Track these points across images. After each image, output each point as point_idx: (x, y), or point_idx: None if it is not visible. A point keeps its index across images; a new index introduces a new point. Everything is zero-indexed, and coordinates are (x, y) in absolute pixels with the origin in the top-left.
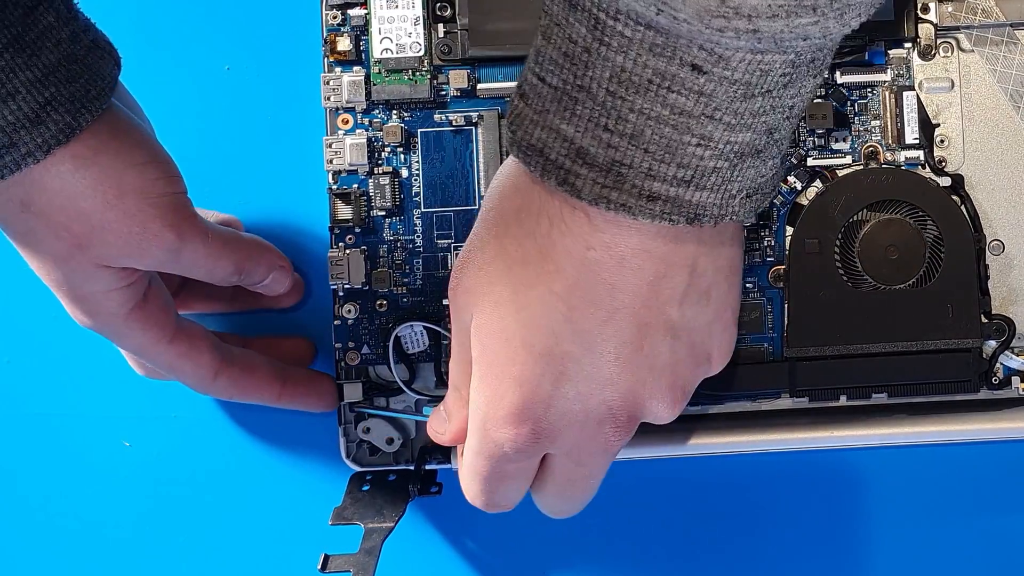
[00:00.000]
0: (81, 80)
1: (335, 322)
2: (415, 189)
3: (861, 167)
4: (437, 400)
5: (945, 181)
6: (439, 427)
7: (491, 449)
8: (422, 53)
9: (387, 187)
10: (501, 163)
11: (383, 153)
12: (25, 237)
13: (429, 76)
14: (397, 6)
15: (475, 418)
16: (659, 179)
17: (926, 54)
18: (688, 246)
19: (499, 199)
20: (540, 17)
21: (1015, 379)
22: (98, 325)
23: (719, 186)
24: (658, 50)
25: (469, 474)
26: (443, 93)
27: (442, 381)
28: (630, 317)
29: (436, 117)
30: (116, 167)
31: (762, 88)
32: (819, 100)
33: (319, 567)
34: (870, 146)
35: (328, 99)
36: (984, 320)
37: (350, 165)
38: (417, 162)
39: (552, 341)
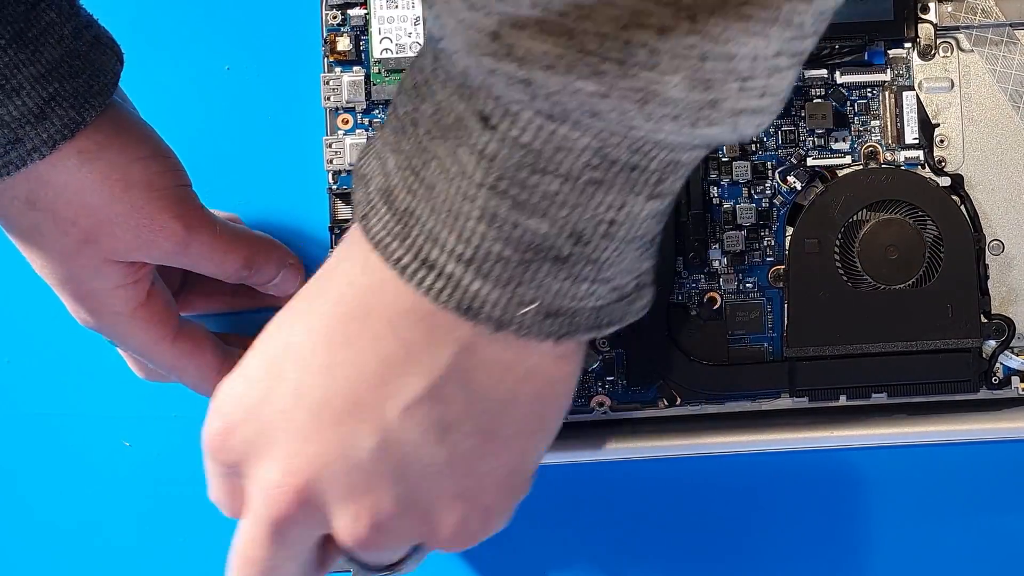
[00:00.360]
0: (84, 75)
1: None
2: None
3: (861, 167)
4: None
5: (945, 181)
6: None
7: None
8: None
9: None
10: None
11: None
12: (30, 234)
13: None
14: (397, 6)
15: None
16: (439, 246)
17: (926, 54)
18: (452, 349)
19: None
20: None
21: (1015, 379)
22: (101, 325)
23: (505, 282)
24: (462, 91)
25: None
26: None
27: None
28: (343, 384)
29: None
30: (122, 161)
31: (558, 168)
32: (819, 100)
33: None
34: (870, 146)
35: (328, 99)
36: (984, 320)
37: (350, 165)
38: None
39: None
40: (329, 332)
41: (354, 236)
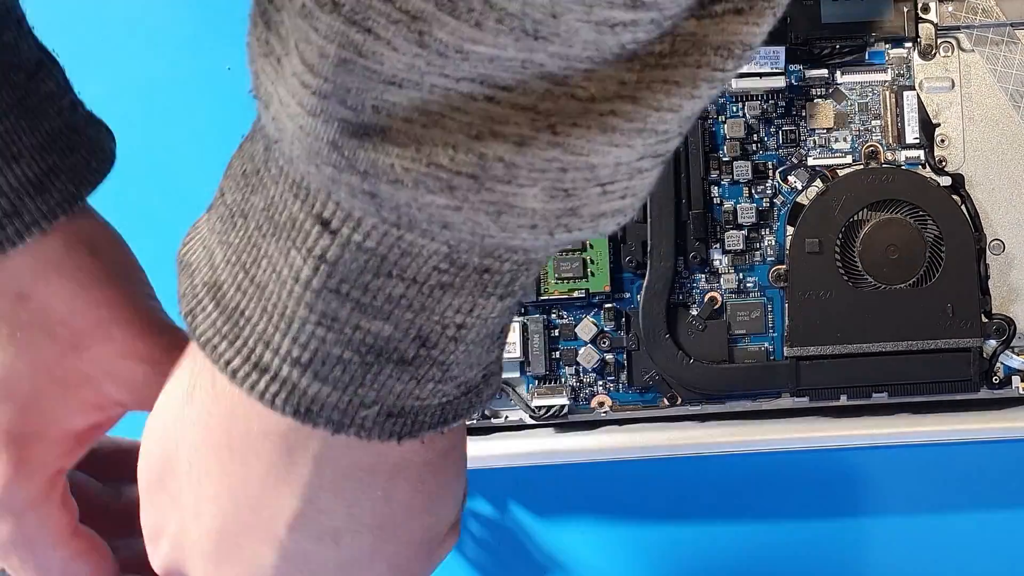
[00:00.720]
0: (82, 150)
1: None
2: None
3: (861, 167)
4: None
5: (945, 181)
6: None
7: None
8: None
9: None
10: None
11: None
12: (7, 341)
13: None
14: None
15: None
16: (272, 349)
17: (926, 54)
18: (310, 465)
19: None
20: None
21: (1015, 379)
22: (18, 483)
23: (345, 385)
24: (298, 191)
25: None
26: None
27: None
28: (231, 511)
29: None
30: (118, 258)
31: (404, 272)
32: (819, 100)
33: None
34: (870, 146)
35: None
36: (984, 320)
37: None
38: None
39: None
40: (207, 464)
41: (195, 349)
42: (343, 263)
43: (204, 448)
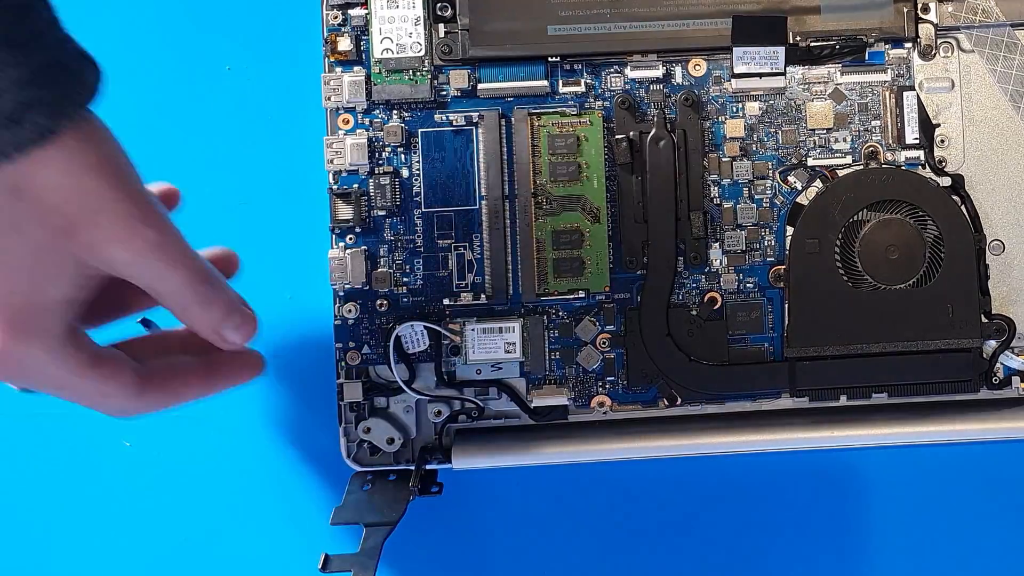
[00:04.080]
0: (63, 84)
1: (335, 322)
2: (415, 189)
3: (861, 167)
4: (439, 400)
5: (945, 181)
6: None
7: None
8: (422, 53)
9: (387, 187)
10: (502, 162)
11: (383, 153)
12: (8, 228)
13: (429, 76)
14: (398, 6)
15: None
16: None
17: (926, 54)
18: None
19: None
20: None
21: (1015, 379)
22: (28, 352)
23: None
24: None
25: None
26: (443, 93)
27: (443, 380)
28: None
29: (436, 117)
30: (111, 153)
31: None
32: (819, 100)
33: (319, 567)
34: (870, 146)
35: (328, 99)
36: (984, 320)
37: (350, 165)
38: (417, 162)
39: None
40: None
41: None
42: None
43: None
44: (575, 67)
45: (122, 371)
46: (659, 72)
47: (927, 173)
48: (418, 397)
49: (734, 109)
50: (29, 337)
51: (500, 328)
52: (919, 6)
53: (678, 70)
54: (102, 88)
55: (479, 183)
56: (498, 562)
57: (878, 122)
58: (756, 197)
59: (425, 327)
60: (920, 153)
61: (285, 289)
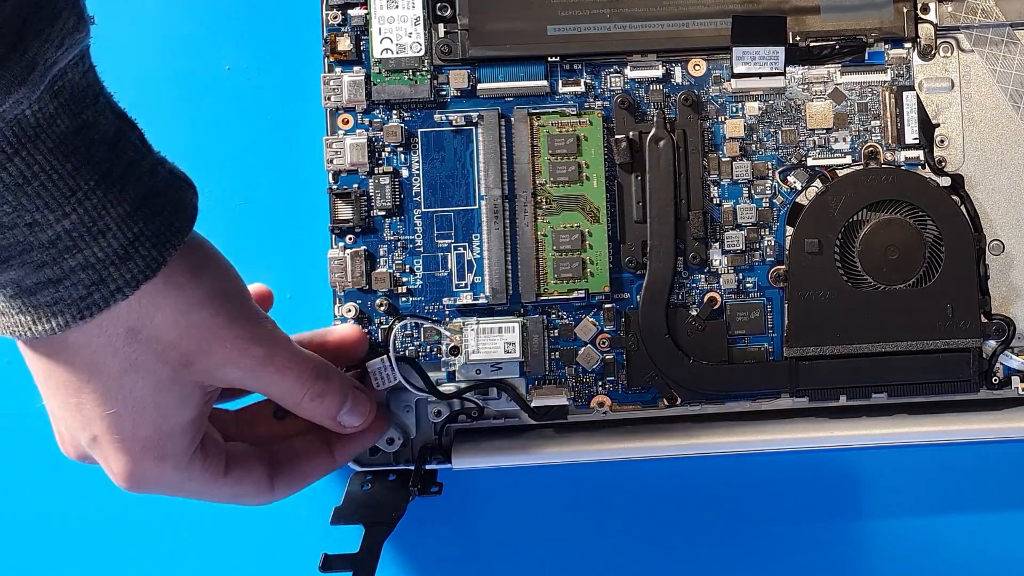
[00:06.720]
0: (165, 213)
1: (335, 322)
2: (415, 189)
3: (861, 167)
4: (439, 400)
5: (945, 181)
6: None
7: None
8: (422, 53)
9: (387, 187)
10: (502, 162)
11: (383, 153)
12: (118, 376)
13: (429, 76)
14: (397, 6)
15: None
16: None
17: (926, 54)
18: None
19: None
20: None
21: (1015, 379)
22: (162, 474)
23: None
24: None
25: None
26: (443, 93)
27: (435, 392)
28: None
29: (436, 117)
30: (217, 276)
31: None
32: (819, 100)
33: (319, 567)
34: (870, 146)
35: (328, 99)
36: (984, 320)
37: (350, 165)
38: (417, 162)
39: None
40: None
41: None
42: None
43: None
44: (575, 67)
45: (252, 471)
46: (659, 72)
47: (927, 173)
48: (418, 397)
49: (734, 109)
50: (161, 462)
51: (500, 328)
52: (919, 6)
53: (678, 70)
54: (198, 208)
55: (479, 183)
56: (498, 562)
57: (878, 122)
58: (756, 197)
59: (396, 359)
60: (920, 153)
61: (285, 289)
